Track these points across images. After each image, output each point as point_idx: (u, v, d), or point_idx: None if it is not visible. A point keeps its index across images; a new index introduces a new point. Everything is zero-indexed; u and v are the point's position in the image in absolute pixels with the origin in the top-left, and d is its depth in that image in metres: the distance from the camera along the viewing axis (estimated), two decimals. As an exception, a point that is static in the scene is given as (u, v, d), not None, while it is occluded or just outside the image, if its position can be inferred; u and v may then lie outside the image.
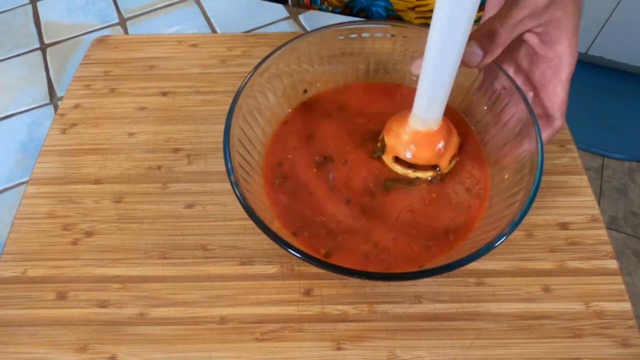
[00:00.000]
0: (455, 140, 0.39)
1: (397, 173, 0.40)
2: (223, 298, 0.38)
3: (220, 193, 0.44)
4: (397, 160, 0.40)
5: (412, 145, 0.39)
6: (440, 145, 0.38)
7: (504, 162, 0.39)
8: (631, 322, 0.37)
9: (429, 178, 0.39)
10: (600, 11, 1.43)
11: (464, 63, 0.35)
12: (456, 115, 0.43)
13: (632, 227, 1.31)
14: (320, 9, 0.64)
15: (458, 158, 0.40)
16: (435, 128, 0.38)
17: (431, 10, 0.60)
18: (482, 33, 0.35)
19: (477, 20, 0.62)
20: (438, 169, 0.39)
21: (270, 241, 0.32)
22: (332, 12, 0.63)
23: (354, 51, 0.44)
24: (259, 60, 0.40)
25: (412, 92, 0.45)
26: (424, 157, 0.39)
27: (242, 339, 0.37)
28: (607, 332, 0.36)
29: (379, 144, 0.41)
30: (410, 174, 0.39)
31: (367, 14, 0.63)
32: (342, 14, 0.63)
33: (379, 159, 0.41)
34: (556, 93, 0.37)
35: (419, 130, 0.38)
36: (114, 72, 0.52)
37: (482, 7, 0.60)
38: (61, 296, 0.39)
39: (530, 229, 0.41)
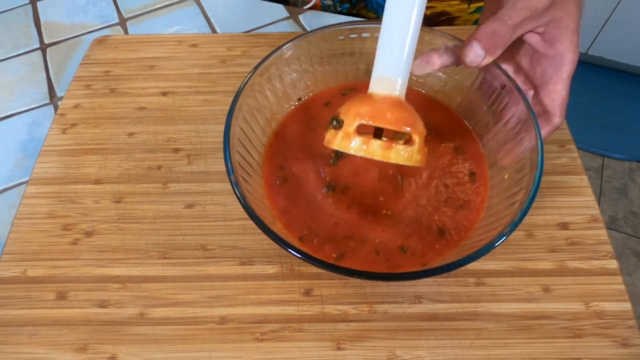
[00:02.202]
0: (420, 123, 0.34)
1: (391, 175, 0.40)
2: (223, 298, 0.38)
3: (220, 193, 0.44)
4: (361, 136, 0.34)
5: (377, 106, 0.33)
6: (407, 111, 0.34)
7: (503, 162, 0.39)
8: (631, 322, 0.37)
9: (406, 150, 0.33)
10: (600, 11, 1.43)
11: (466, 63, 0.35)
12: (455, 117, 0.43)
13: (632, 227, 1.31)
14: (322, 4, 0.64)
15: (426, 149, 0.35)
16: (397, 94, 0.34)
17: (432, 0, 0.60)
18: (483, 33, 0.35)
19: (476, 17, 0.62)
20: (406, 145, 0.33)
21: (270, 241, 0.32)
22: (334, 3, 0.63)
23: (354, 51, 0.44)
24: (259, 60, 0.40)
25: (411, 92, 0.45)
26: (392, 118, 0.33)
27: (242, 339, 0.37)
28: (607, 332, 0.36)
29: (332, 122, 0.35)
30: (373, 144, 0.33)
31: (366, 4, 0.63)
32: (341, 2, 0.63)
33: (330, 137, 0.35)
34: (557, 90, 0.37)
35: (380, 93, 0.34)
36: (114, 72, 0.52)
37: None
38: (61, 296, 0.39)
39: (530, 229, 0.41)
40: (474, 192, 0.39)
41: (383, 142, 0.33)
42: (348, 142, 0.33)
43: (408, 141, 0.34)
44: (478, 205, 0.38)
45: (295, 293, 0.38)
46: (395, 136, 0.34)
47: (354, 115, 0.33)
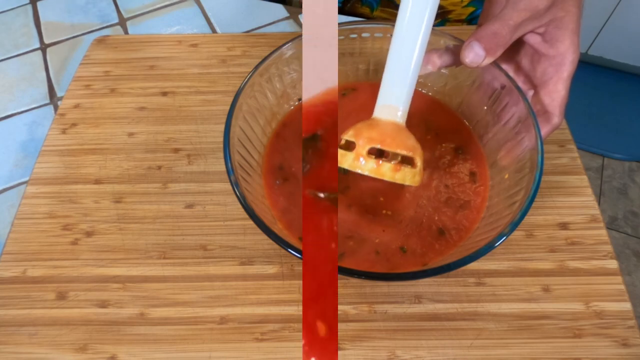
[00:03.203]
0: (420, 147, 0.37)
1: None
2: (223, 298, 0.38)
3: (220, 193, 0.44)
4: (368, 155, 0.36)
5: (384, 131, 0.36)
6: (409, 137, 0.36)
7: (503, 162, 0.39)
8: (631, 322, 0.37)
9: (404, 171, 0.35)
10: (600, 11, 1.43)
11: (466, 64, 0.35)
12: (455, 117, 0.43)
13: (632, 227, 1.31)
14: None
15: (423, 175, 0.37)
16: (400, 120, 0.36)
17: None
18: (484, 34, 0.35)
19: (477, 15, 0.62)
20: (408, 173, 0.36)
21: (270, 241, 0.32)
22: None
23: (354, 51, 0.44)
24: (259, 60, 0.40)
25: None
26: (397, 142, 0.35)
27: (242, 339, 0.37)
28: (607, 332, 0.36)
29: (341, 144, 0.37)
30: (384, 166, 0.35)
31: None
32: None
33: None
34: (557, 90, 0.37)
35: (385, 119, 0.36)
36: (114, 72, 0.52)
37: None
38: (61, 296, 0.39)
39: (530, 229, 0.41)
40: (474, 192, 0.39)
41: (392, 164, 0.35)
42: (359, 162, 0.35)
43: (404, 161, 0.36)
44: (478, 205, 0.38)
45: (295, 293, 0.38)
46: (393, 157, 0.36)
47: (366, 139, 0.36)
